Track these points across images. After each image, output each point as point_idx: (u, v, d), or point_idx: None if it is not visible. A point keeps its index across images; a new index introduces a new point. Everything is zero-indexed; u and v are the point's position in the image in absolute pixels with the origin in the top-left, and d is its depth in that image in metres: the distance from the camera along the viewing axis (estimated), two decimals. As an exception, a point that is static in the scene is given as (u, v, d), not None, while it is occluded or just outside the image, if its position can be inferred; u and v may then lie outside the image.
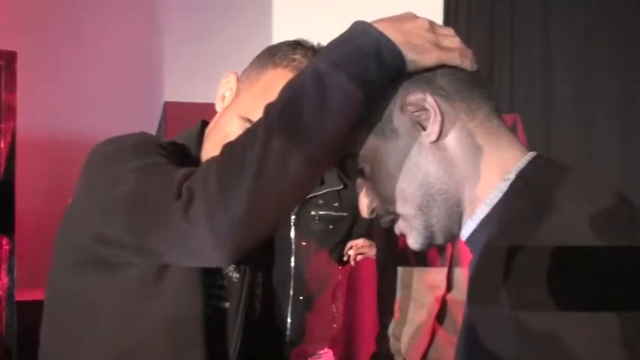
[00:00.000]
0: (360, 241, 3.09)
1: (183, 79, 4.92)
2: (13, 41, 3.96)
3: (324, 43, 1.11)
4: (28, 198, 3.87)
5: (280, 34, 5.03)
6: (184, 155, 1.37)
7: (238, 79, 1.42)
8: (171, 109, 3.95)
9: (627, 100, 5.47)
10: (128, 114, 4.55)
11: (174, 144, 1.39)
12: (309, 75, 1.03)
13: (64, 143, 4.44)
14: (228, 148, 1.08)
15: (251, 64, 1.41)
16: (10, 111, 3.75)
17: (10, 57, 3.75)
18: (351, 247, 3.10)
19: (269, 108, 1.05)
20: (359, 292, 3.65)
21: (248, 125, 1.28)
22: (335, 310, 3.15)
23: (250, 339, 1.43)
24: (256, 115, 1.19)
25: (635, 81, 5.46)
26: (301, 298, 2.99)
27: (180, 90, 4.69)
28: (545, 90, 5.62)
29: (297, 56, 1.34)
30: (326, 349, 3.18)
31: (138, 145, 1.29)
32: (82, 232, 1.26)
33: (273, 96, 1.06)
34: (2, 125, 3.71)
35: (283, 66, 1.34)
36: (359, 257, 3.10)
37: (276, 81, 1.30)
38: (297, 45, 1.37)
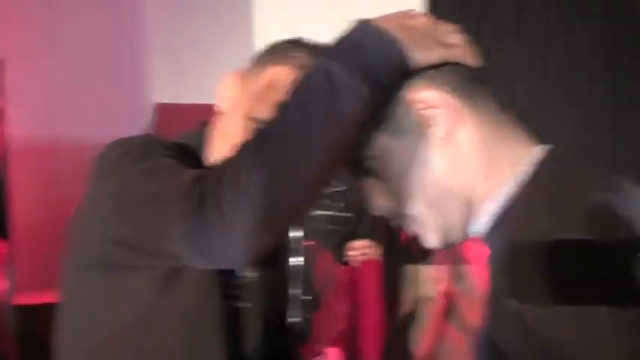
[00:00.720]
0: (363, 243, 3.12)
1: (171, 80, 4.92)
2: (1, 48, 3.96)
3: (322, 40, 1.10)
4: (22, 202, 3.87)
5: (263, 33, 5.08)
6: (188, 156, 1.37)
7: (239, 79, 1.41)
8: (162, 111, 3.96)
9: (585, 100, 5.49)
10: (118, 116, 4.54)
11: (178, 145, 1.39)
12: (317, 74, 1.03)
13: (55, 147, 4.44)
14: (242, 148, 1.07)
15: (251, 62, 1.41)
16: (0, 117, 3.76)
17: (-5, 63, 3.76)
18: (353, 248, 3.13)
19: (280, 107, 1.05)
20: (362, 293, 3.69)
21: (251, 124, 1.28)
22: (339, 310, 3.17)
23: (266, 339, 1.43)
24: (259, 113, 1.21)
25: (597, 81, 5.48)
26: (307, 298, 2.99)
27: (169, 91, 4.69)
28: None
29: (297, 54, 1.34)
30: (331, 349, 3.19)
31: (146, 146, 1.29)
32: (93, 235, 1.26)
33: (274, 94, 1.09)
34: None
35: (283, 63, 1.34)
36: (361, 258, 3.13)
37: (277, 78, 1.31)
38: (297, 43, 1.38)
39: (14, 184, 3.72)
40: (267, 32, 5.24)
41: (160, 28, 5.12)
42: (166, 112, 3.90)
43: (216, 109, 1.41)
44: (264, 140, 1.03)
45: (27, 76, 4.18)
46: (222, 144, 1.32)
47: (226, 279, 1.35)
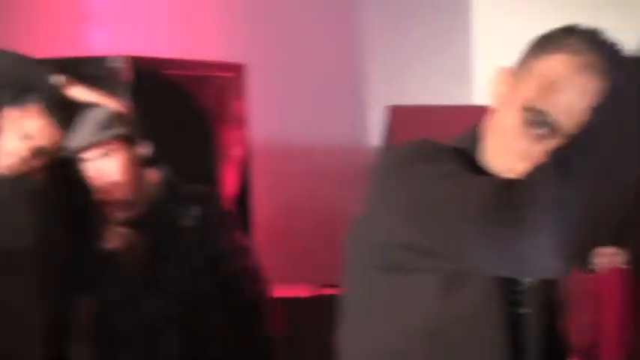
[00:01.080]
0: (610, 249, 3.00)
1: (403, 83, 4.97)
2: (240, 53, 4.15)
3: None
4: (261, 202, 4.04)
5: (481, 34, 5.02)
6: (464, 159, 1.36)
7: (508, 73, 1.38)
8: (396, 113, 4.02)
9: None
10: (352, 120, 4.65)
11: (454, 149, 1.38)
12: (626, 78, 1.02)
13: (291, 149, 4.61)
14: (553, 158, 1.06)
15: (523, 54, 1.38)
16: (242, 121, 3.92)
17: (239, 69, 3.93)
18: (600, 255, 3.02)
19: (590, 116, 1.04)
20: (604, 303, 3.54)
21: (528, 115, 1.26)
22: (583, 320, 3.07)
23: (544, 346, 1.40)
24: (538, 104, 1.21)
25: None
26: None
27: (401, 94, 4.73)
28: None
29: (572, 40, 1.30)
30: (575, 360, 3.09)
31: (432, 150, 1.30)
32: (380, 239, 1.28)
33: (552, 83, 1.11)
34: (235, 134, 3.89)
35: (559, 51, 1.30)
36: (608, 266, 3.02)
37: (553, 67, 1.27)
38: (572, 29, 1.33)
39: (254, 186, 3.90)
40: (486, 32, 5.19)
41: (385, 32, 5.20)
42: (400, 114, 3.96)
43: (489, 107, 1.39)
44: (576, 151, 1.03)
45: (265, 81, 4.36)
46: (497, 141, 1.31)
47: (510, 284, 1.34)
